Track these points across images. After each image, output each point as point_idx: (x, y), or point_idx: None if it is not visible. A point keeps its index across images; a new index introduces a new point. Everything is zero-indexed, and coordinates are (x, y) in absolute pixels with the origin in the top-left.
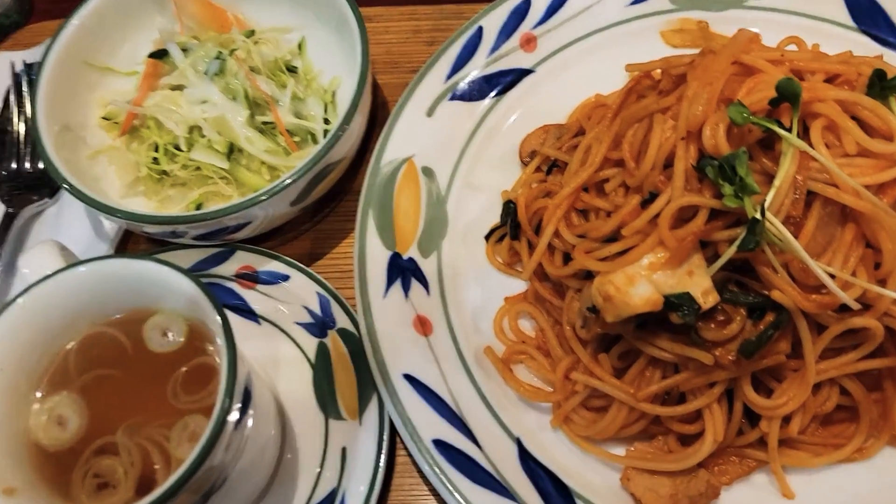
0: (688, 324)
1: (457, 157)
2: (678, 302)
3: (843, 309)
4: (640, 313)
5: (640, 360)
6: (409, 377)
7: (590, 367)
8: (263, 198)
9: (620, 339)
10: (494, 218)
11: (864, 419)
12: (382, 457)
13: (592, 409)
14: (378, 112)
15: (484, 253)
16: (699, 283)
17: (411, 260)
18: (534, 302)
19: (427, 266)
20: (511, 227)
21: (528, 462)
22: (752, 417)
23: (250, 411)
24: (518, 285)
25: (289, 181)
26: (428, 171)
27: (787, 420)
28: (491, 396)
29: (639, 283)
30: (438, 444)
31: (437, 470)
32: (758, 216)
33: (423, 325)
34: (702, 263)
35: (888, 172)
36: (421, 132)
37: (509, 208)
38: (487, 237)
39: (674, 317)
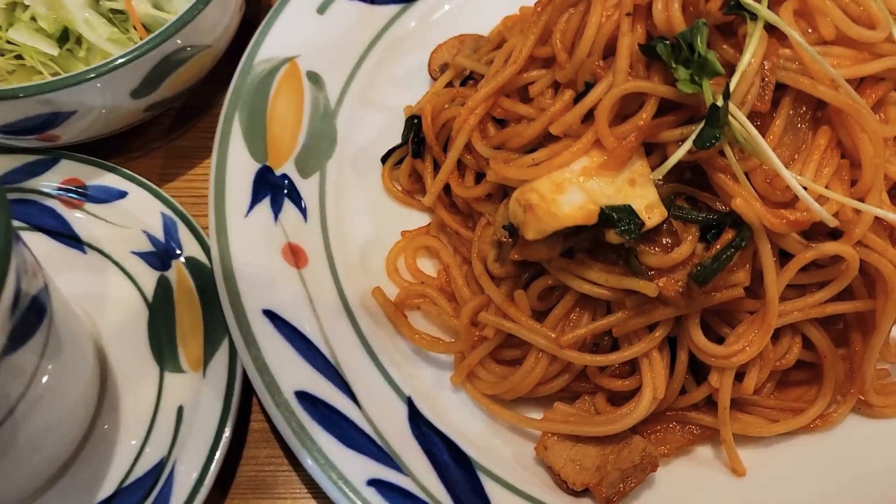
0: (627, 246)
1: (352, 65)
2: (616, 216)
3: (810, 237)
4: (568, 230)
5: (566, 298)
6: (270, 314)
7: (502, 307)
8: (91, 75)
9: (542, 276)
10: (395, 141)
11: (828, 378)
12: (229, 418)
13: (504, 361)
14: (260, 18)
15: (379, 179)
16: (643, 195)
17: (286, 177)
18: (438, 235)
19: (306, 188)
20: (413, 144)
21: (421, 426)
22: (697, 374)
23: (41, 349)
24: (419, 219)
25: (124, 59)
26: (315, 78)
27: (738, 378)
28: (377, 346)
29: (569, 191)
30: (303, 396)
31: (296, 427)
32: (719, 102)
33: (294, 256)
34: (646, 172)
35: (870, 65)
36: (309, 30)
37: (413, 124)
38: (384, 159)
39: (611, 235)
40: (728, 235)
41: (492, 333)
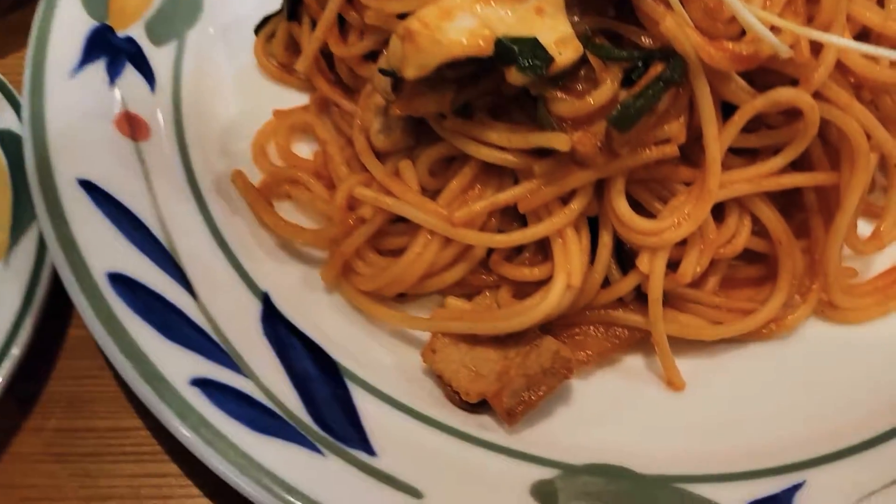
0: (534, 94)
1: None
2: (518, 48)
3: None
4: (461, 73)
5: (464, 171)
6: (88, 186)
7: (385, 183)
8: None
9: (435, 145)
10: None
11: (784, 270)
12: (29, 314)
13: (387, 252)
14: None
15: (252, 54)
16: (553, 27)
17: (131, 41)
18: (317, 114)
19: (158, 56)
20: (289, 4)
21: (277, 327)
22: (624, 264)
23: None
24: (298, 100)
25: None
26: None
27: (674, 269)
28: (231, 235)
29: (459, 17)
30: (118, 280)
31: (103, 312)
32: None
33: (132, 126)
34: (557, 0)
35: None
36: None
37: None
38: (258, 30)
39: (512, 73)
40: (656, 69)
41: (370, 213)
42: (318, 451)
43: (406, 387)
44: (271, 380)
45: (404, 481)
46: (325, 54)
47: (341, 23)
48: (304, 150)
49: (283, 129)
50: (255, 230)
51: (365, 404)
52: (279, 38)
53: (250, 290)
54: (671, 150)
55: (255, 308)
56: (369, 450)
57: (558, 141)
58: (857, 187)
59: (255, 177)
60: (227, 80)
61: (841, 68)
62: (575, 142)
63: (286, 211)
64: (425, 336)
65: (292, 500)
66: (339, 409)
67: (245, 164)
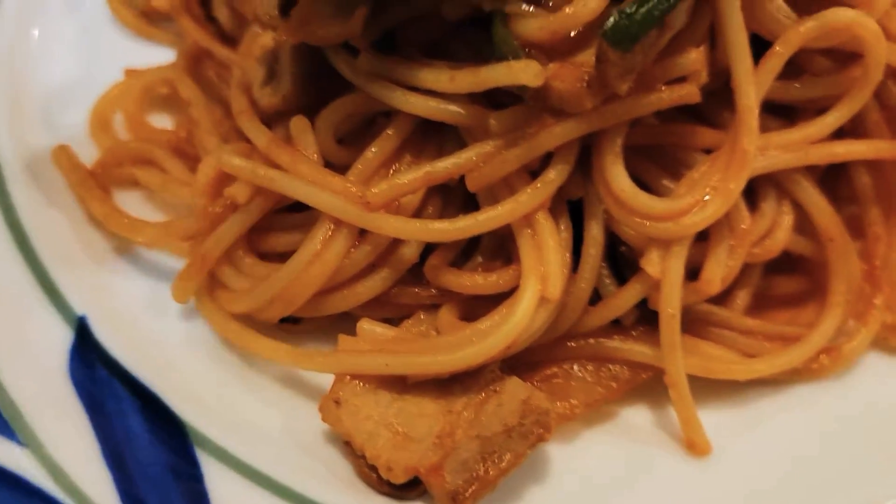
0: (488, 8)
1: None
2: None
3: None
4: None
5: (388, 133)
6: None
7: (269, 151)
8: None
9: (344, 98)
10: None
11: (837, 279)
12: None
13: (271, 256)
14: None
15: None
16: None
17: None
18: (185, 72)
19: None
20: None
21: (94, 366)
22: (620, 270)
23: None
24: (162, 60)
25: None
26: None
27: (692, 277)
28: (39, 234)
29: None
30: None
31: None
32: None
33: None
34: None
35: None
36: None
37: None
38: None
39: None
40: None
41: (246, 196)
42: None
43: (294, 461)
44: (67, 450)
45: None
46: None
47: None
48: (166, 123)
49: (135, 93)
50: (81, 229)
51: (223, 490)
52: None
53: (58, 312)
54: (690, 91)
55: (61, 337)
56: None
57: (526, 72)
58: None
59: (94, 158)
60: (67, 32)
61: None
62: (550, 76)
63: (132, 204)
64: (326, 383)
65: None
66: (181, 497)
67: (78, 141)
